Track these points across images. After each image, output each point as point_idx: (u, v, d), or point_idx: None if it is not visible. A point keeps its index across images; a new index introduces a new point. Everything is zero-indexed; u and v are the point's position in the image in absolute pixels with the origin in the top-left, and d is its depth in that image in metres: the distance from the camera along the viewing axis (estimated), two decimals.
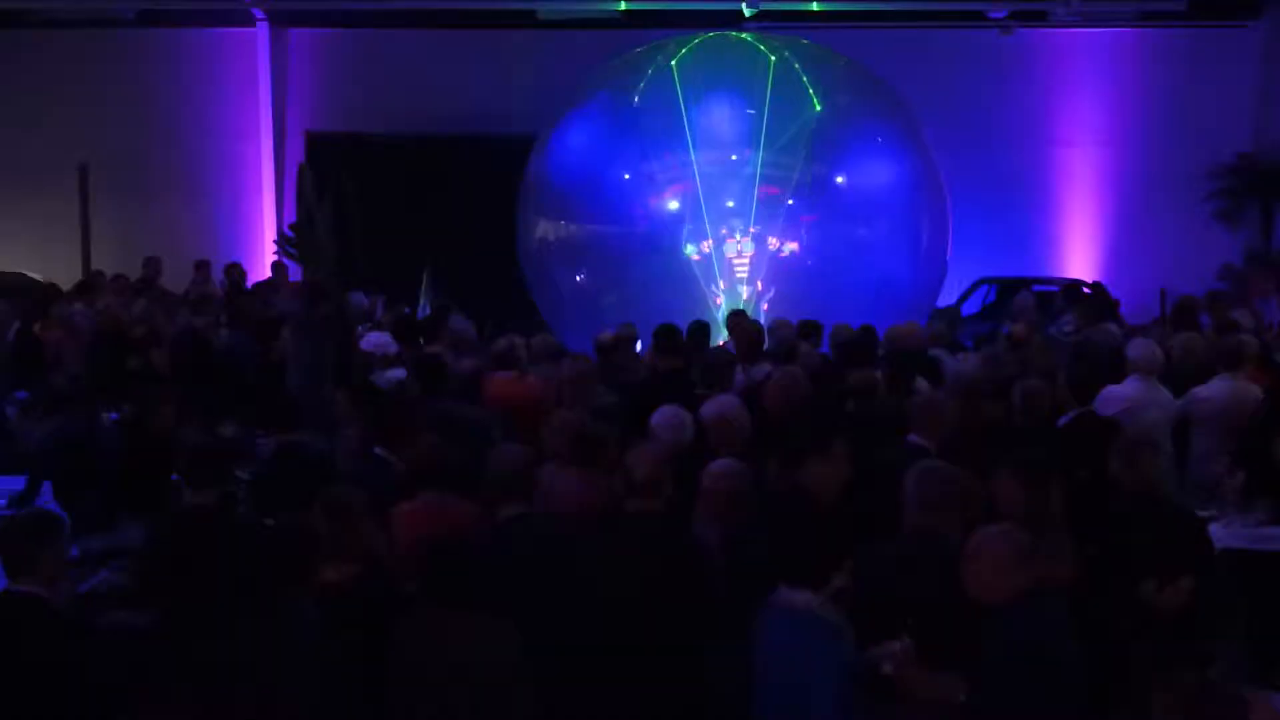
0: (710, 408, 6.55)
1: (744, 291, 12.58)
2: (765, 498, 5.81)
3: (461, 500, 5.58)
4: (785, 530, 4.71)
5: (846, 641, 4.44)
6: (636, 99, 12.87)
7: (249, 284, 14.02)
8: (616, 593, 4.93)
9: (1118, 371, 8.09)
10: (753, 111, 12.73)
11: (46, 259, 16.57)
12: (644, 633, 4.86)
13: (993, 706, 4.28)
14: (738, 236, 12.52)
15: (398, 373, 9.01)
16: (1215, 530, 6.40)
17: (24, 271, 15.66)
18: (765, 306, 12.39)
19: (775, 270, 12.59)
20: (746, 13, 16.39)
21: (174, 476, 6.80)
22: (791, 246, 12.59)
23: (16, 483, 7.29)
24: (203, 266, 14.31)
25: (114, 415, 9.00)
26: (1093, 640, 4.50)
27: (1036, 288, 15.08)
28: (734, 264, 12.52)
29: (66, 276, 14.85)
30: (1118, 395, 7.79)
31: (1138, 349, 8.16)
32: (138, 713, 4.57)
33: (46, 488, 7.22)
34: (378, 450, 6.43)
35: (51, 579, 4.65)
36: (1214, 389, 8.04)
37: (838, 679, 4.36)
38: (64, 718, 4.51)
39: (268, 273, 14.70)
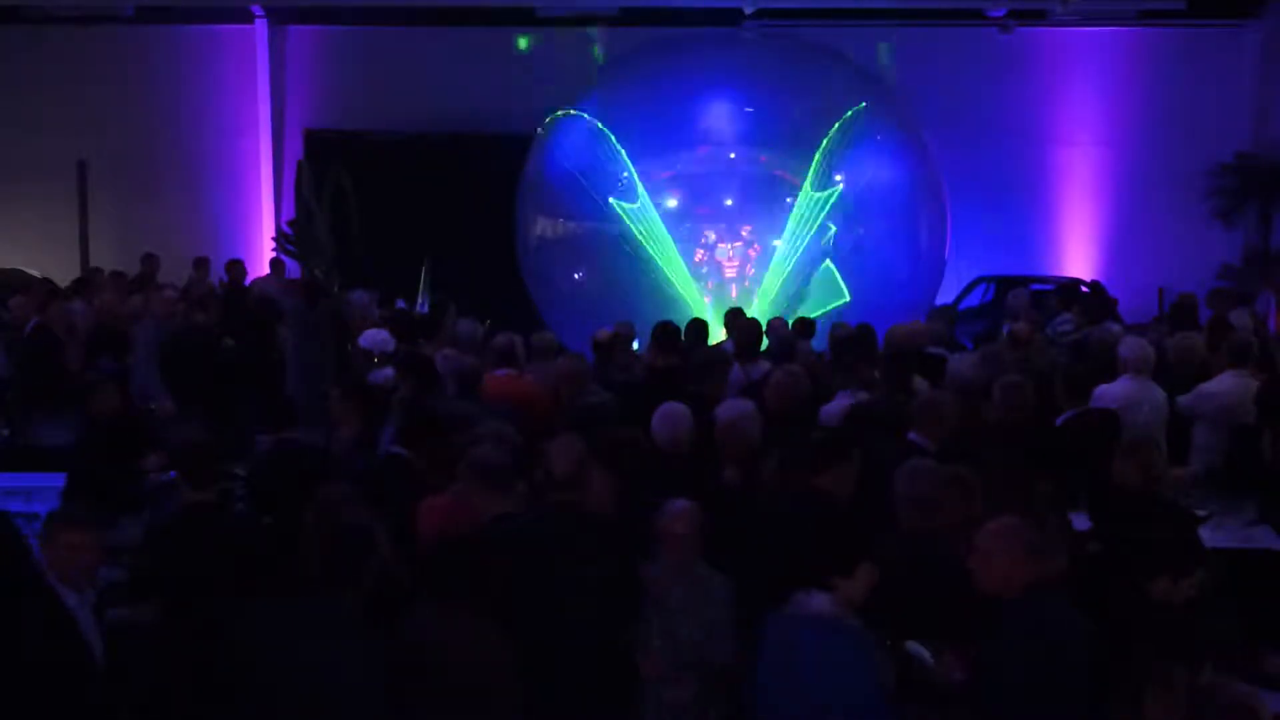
0: (724, 412, 6.54)
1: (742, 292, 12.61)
2: (769, 497, 5.81)
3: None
4: (806, 533, 4.67)
5: (872, 646, 4.43)
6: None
7: (247, 282, 14.01)
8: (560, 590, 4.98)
9: (1112, 370, 8.11)
10: (751, 110, 12.76)
11: (44, 256, 16.57)
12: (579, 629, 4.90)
13: (1002, 699, 4.28)
14: (728, 242, 12.55)
15: (390, 371, 9.00)
16: (1206, 529, 6.42)
17: (22, 268, 15.65)
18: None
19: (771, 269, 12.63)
20: (746, 10, 16.37)
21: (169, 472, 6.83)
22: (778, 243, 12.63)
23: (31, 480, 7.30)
24: (201, 264, 14.29)
25: None
26: (1095, 637, 4.51)
27: (1034, 286, 15.09)
28: (724, 265, 12.54)
29: (65, 273, 14.85)
30: (1110, 394, 7.80)
31: (1130, 348, 8.17)
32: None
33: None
34: (395, 449, 6.43)
35: (60, 574, 4.74)
36: (1220, 384, 8.05)
37: (873, 684, 4.34)
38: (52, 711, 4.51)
39: (266, 270, 14.71)
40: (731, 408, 6.58)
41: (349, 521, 4.84)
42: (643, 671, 5.07)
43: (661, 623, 5.11)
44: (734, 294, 12.49)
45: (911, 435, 6.51)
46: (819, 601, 4.41)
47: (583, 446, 5.44)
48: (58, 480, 7.17)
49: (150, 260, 14.12)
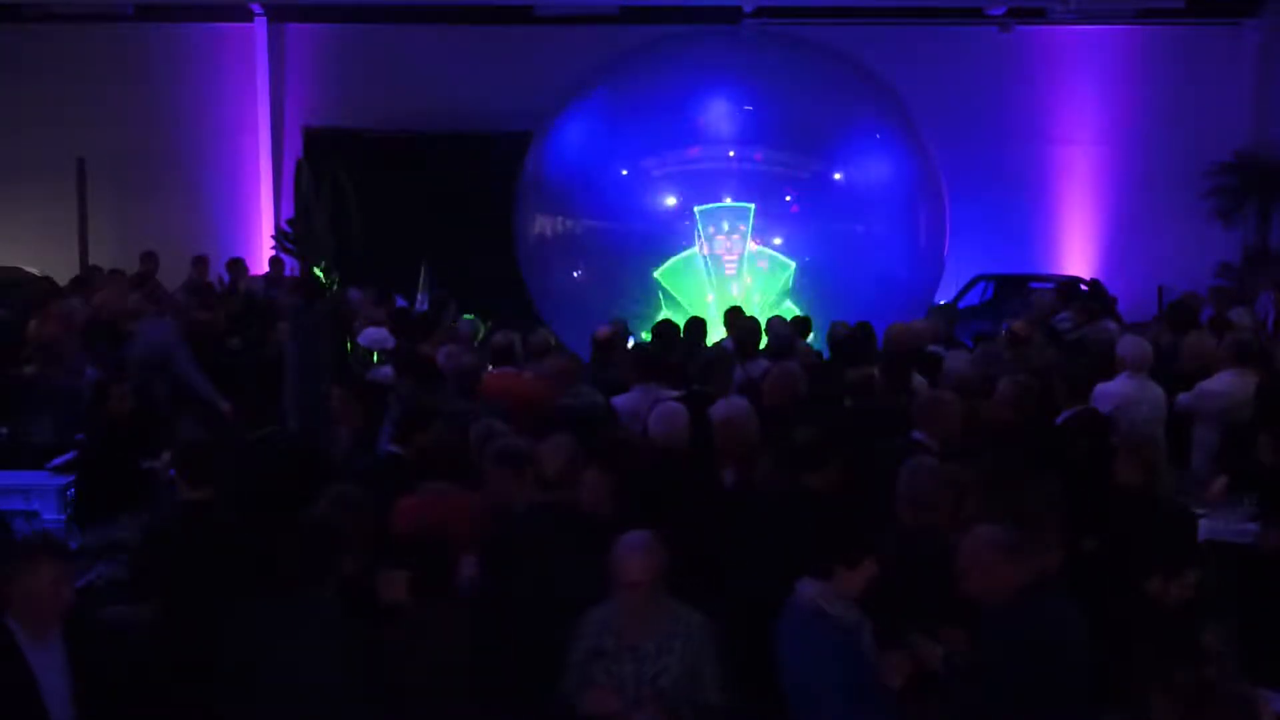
0: (719, 410, 6.53)
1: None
2: (765, 495, 5.81)
3: (463, 492, 5.58)
4: (798, 529, 4.68)
5: (852, 636, 4.41)
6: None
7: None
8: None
9: (1110, 369, 8.11)
10: (750, 108, 12.75)
11: (44, 254, 16.55)
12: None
13: (1001, 699, 4.28)
14: (726, 228, 12.53)
15: (390, 369, 8.99)
16: (1203, 525, 6.43)
17: (21, 266, 15.64)
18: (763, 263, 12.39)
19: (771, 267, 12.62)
20: (745, 9, 16.39)
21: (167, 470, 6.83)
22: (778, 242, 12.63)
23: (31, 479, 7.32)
24: (201, 262, 14.28)
25: None
26: (1093, 637, 4.51)
27: (1033, 285, 15.08)
28: (724, 260, 12.53)
29: (64, 272, 14.83)
30: (1109, 392, 7.80)
31: (1128, 346, 8.17)
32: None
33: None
34: (392, 448, 6.42)
35: (23, 617, 4.34)
36: (1221, 383, 8.05)
37: (844, 675, 4.33)
38: None
39: (265, 268, 14.70)
40: (727, 406, 6.57)
41: (322, 518, 4.85)
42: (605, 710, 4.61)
43: (638, 669, 4.59)
44: (735, 291, 12.50)
45: (916, 434, 6.50)
46: (805, 590, 4.42)
47: (573, 446, 5.44)
48: (57, 480, 7.17)
49: (149, 258, 14.09)
